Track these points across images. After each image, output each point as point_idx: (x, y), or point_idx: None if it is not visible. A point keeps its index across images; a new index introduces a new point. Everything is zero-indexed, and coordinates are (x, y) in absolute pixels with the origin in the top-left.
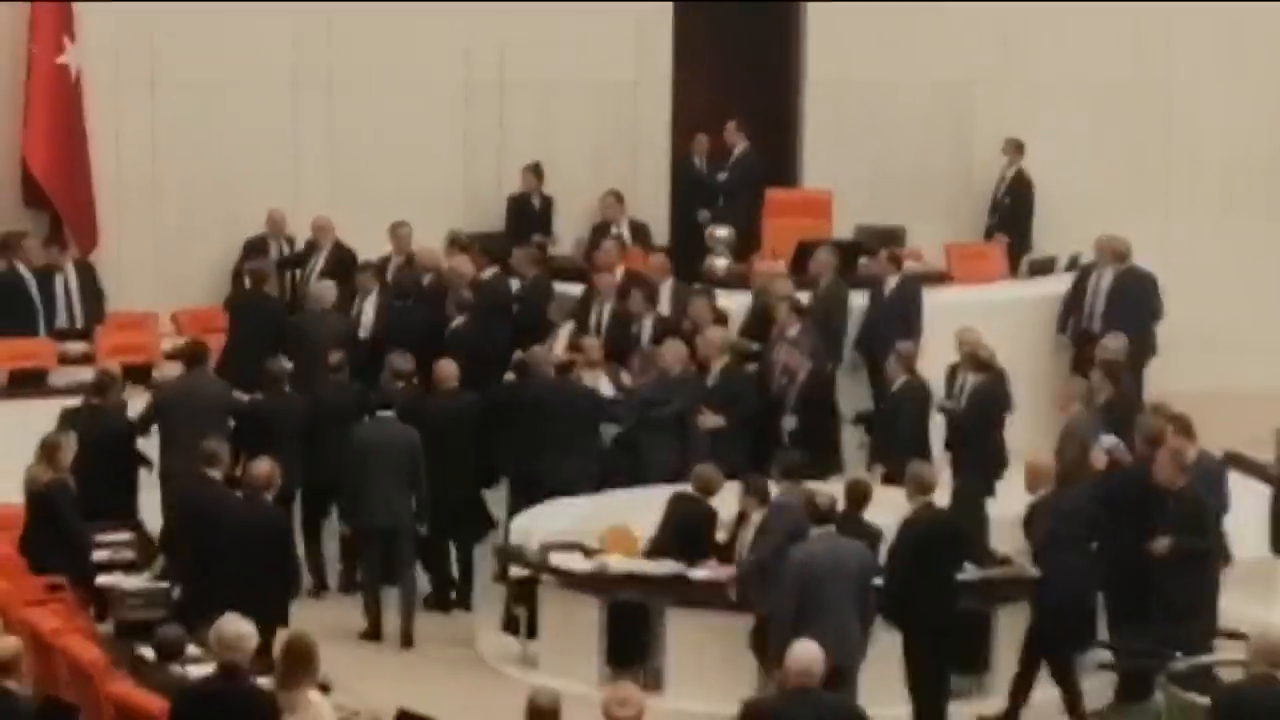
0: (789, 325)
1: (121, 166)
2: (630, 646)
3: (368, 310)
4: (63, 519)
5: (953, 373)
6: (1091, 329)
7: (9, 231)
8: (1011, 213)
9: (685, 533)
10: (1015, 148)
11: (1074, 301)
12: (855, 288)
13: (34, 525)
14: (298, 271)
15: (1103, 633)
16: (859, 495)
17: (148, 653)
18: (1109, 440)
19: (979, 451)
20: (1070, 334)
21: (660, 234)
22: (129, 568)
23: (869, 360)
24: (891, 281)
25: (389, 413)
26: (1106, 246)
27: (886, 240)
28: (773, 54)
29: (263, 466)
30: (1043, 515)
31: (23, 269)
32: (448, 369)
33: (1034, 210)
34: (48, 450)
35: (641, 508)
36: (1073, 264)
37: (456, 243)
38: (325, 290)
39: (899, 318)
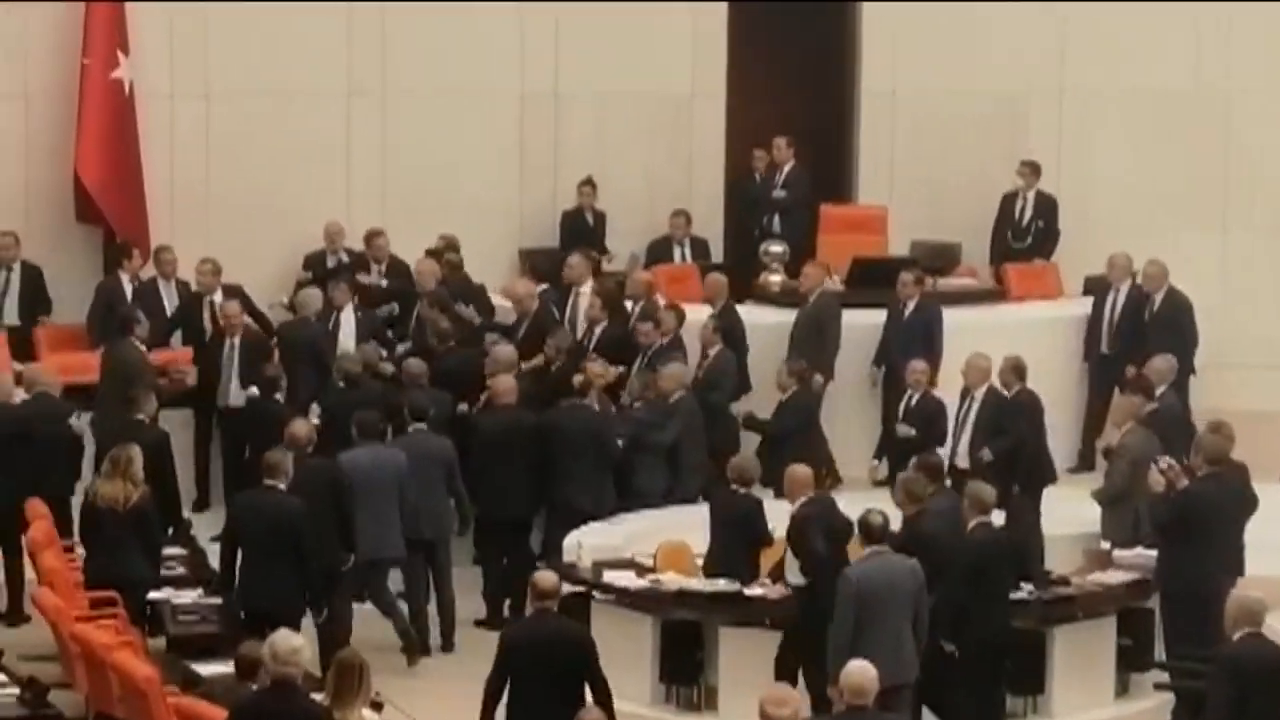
0: (709, 344)
1: (175, 179)
2: (684, 664)
3: (346, 321)
4: (153, 533)
5: (963, 394)
6: (1109, 349)
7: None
8: (1044, 234)
9: (736, 527)
10: (1032, 169)
11: (1093, 321)
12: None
13: (120, 541)
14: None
15: (1159, 653)
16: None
17: (200, 668)
18: (1164, 461)
19: (1032, 466)
20: (1087, 355)
21: (716, 250)
22: (181, 583)
23: (886, 377)
24: (911, 302)
25: (422, 425)
26: (1121, 264)
27: (942, 256)
28: (828, 67)
29: (302, 427)
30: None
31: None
32: (505, 384)
33: (1059, 231)
34: (121, 465)
35: (700, 524)
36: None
37: (432, 252)
38: (312, 298)
39: (919, 337)
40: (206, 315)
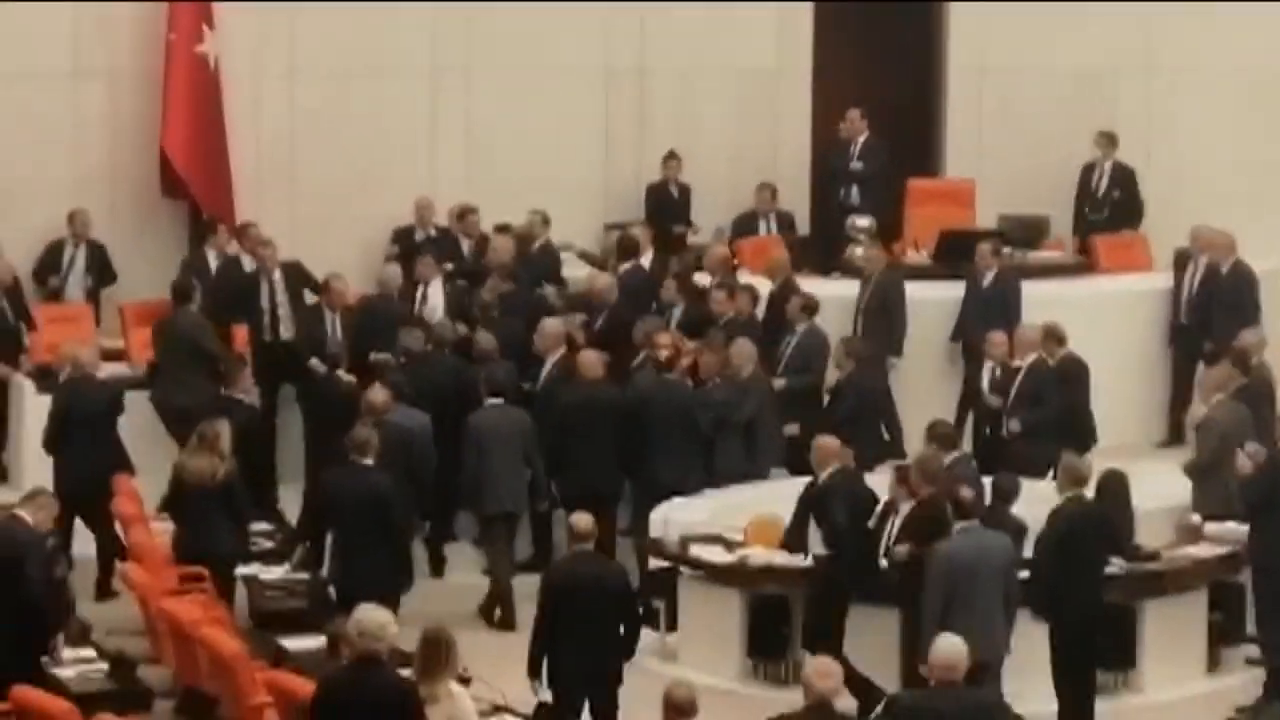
0: (798, 321)
1: (260, 157)
2: (771, 639)
3: (434, 294)
4: (240, 508)
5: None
6: (1189, 321)
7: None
8: (1124, 205)
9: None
10: (1109, 140)
11: (1175, 294)
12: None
13: (208, 516)
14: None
15: (1251, 627)
16: (1005, 489)
17: (289, 643)
18: (1251, 446)
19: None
20: (1170, 329)
21: (802, 223)
22: (268, 558)
23: (966, 351)
24: (989, 273)
25: (498, 400)
26: (1202, 236)
27: (1031, 230)
28: (914, 41)
29: (379, 394)
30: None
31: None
32: (591, 359)
33: (1143, 201)
34: (209, 441)
35: (786, 499)
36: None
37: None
38: (392, 274)
39: (997, 309)
40: (265, 293)
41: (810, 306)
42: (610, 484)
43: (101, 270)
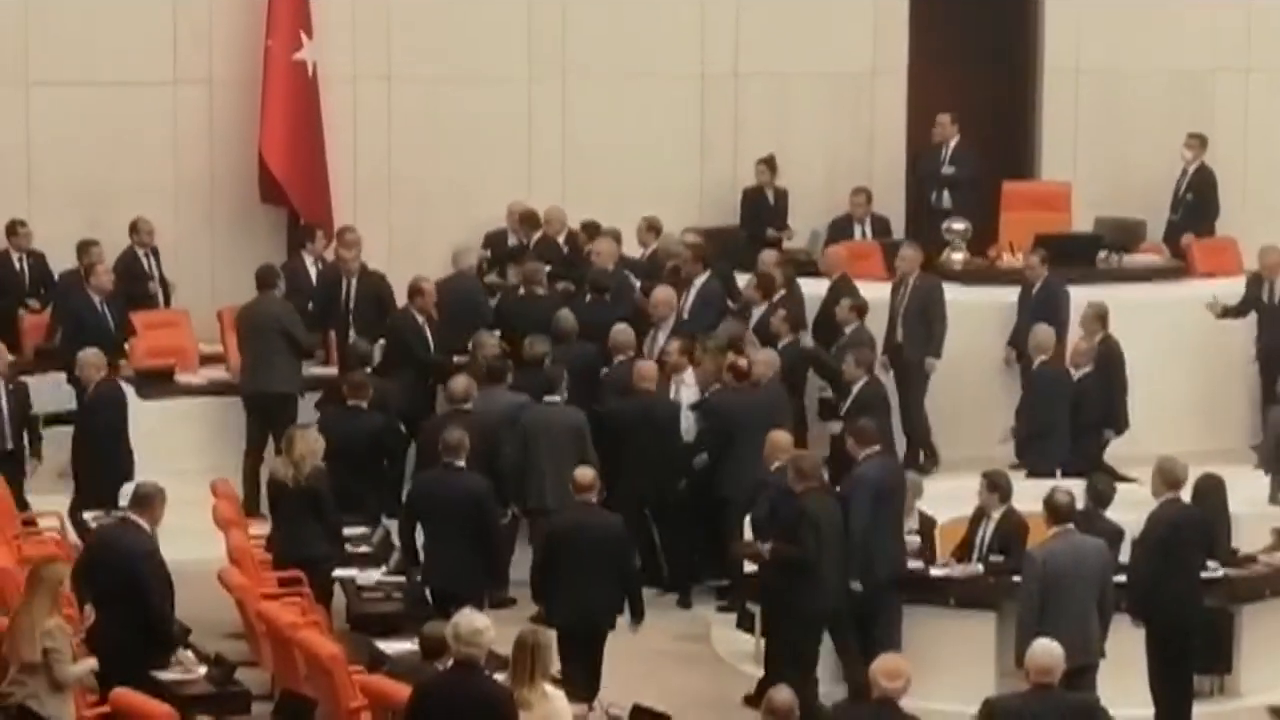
0: (847, 324)
1: (358, 162)
2: (865, 644)
3: None
4: (327, 512)
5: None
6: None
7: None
8: (1196, 208)
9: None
10: (1200, 142)
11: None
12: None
13: (299, 519)
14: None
15: None
16: (1100, 493)
17: (385, 646)
18: None
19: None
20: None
21: (898, 227)
22: (365, 561)
23: (1021, 356)
24: (1039, 280)
25: (556, 398)
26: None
27: (1127, 233)
28: (1010, 43)
29: (460, 382)
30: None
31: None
32: (648, 369)
33: (1219, 205)
34: (296, 444)
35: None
36: None
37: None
38: (467, 253)
39: (1046, 314)
40: (343, 296)
41: (860, 308)
42: (655, 493)
43: (162, 278)
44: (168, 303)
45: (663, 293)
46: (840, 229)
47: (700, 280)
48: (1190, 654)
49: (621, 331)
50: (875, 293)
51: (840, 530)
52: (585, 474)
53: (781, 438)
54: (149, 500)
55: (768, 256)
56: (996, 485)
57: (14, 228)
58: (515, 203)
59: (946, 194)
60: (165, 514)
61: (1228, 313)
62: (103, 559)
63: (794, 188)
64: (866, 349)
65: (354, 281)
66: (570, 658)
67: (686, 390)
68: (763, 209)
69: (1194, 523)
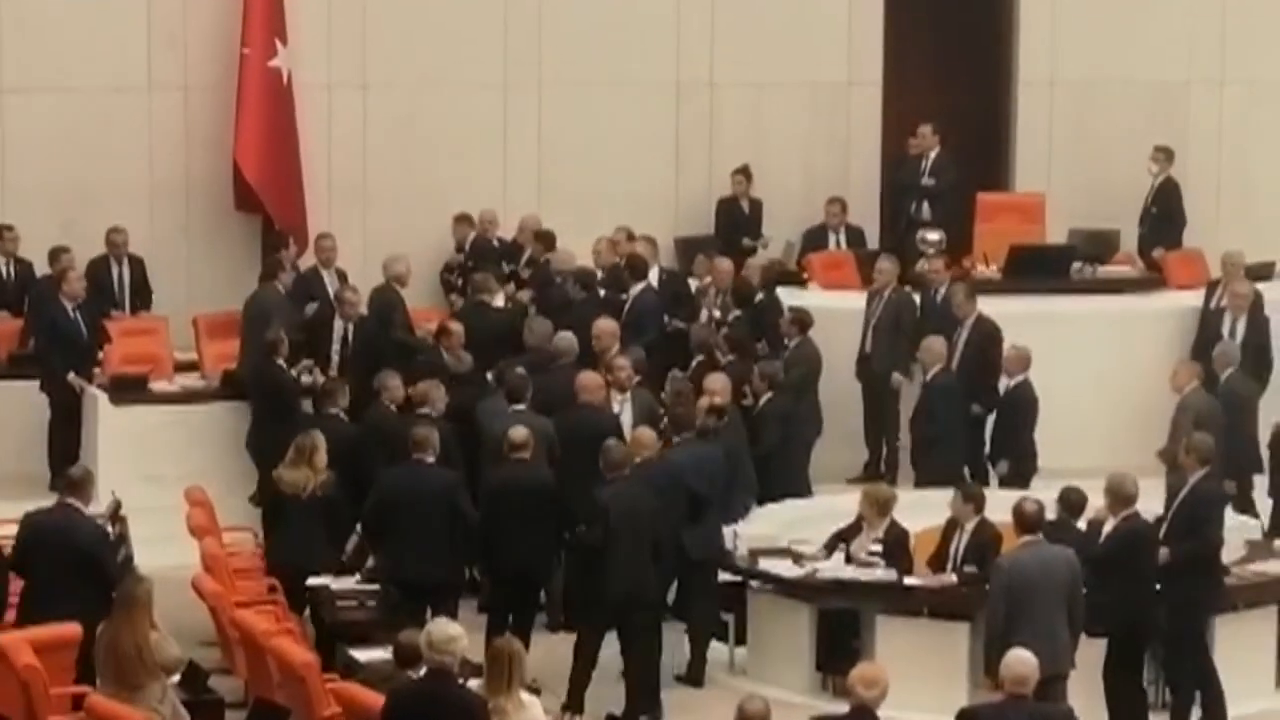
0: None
1: (332, 169)
2: (841, 653)
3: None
4: (339, 520)
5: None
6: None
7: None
8: (1161, 221)
9: None
10: (1166, 155)
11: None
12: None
13: (303, 528)
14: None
15: None
16: (1072, 503)
17: (359, 655)
18: None
19: None
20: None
21: (872, 237)
22: (339, 570)
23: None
24: (942, 287)
25: (519, 406)
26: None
27: (1100, 244)
28: (985, 54)
29: (435, 390)
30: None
31: None
32: (590, 380)
33: (1185, 217)
34: (306, 453)
35: (846, 514)
36: None
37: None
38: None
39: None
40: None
41: (802, 321)
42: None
43: (140, 288)
44: (134, 310)
45: (605, 324)
46: (815, 238)
47: (636, 290)
48: (1140, 663)
49: (564, 338)
50: (849, 303)
51: (638, 522)
52: (518, 433)
53: (645, 435)
54: (81, 484)
55: (752, 264)
56: (970, 496)
57: (0, 233)
58: (486, 211)
59: (925, 205)
60: (138, 522)
61: None
62: (47, 540)
63: (769, 197)
64: (774, 368)
65: (350, 326)
66: (506, 608)
67: (626, 409)
68: (738, 218)
69: (1151, 536)
